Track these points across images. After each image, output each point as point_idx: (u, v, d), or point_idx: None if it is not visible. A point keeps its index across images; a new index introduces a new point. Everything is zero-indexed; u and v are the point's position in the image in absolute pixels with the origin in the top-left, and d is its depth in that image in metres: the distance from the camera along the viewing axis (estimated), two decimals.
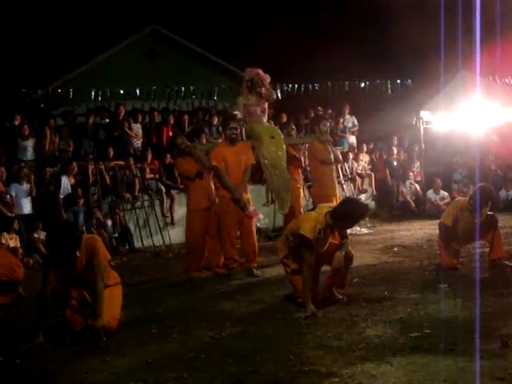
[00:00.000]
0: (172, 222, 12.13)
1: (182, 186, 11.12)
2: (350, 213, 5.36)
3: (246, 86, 8.36)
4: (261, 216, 7.78)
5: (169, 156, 12.31)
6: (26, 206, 10.71)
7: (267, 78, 8.40)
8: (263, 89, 8.34)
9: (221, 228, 7.76)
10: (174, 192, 12.24)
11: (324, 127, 8.95)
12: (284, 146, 8.44)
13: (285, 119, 13.98)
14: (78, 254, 4.97)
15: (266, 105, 8.52)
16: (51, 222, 9.73)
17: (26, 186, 10.71)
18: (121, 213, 11.79)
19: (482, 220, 6.77)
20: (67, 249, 4.92)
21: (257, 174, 8.48)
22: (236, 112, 8.08)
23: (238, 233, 7.83)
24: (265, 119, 8.52)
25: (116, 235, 11.46)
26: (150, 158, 12.75)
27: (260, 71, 8.40)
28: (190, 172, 7.87)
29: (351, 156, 14.69)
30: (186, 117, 14.40)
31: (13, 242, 9.86)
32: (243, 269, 7.76)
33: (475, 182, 9.12)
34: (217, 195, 7.86)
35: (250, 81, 8.30)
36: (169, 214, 12.22)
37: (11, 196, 10.43)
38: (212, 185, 8.12)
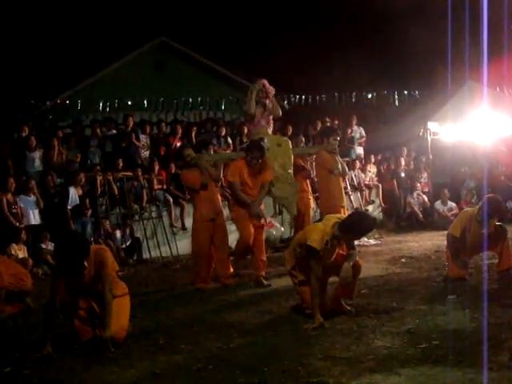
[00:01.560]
0: (183, 228, 12.13)
1: (188, 197, 11.14)
2: (358, 226, 5.38)
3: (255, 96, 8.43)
4: (277, 225, 7.85)
5: (173, 166, 12.36)
6: (34, 217, 10.74)
7: (272, 91, 8.44)
8: (267, 101, 8.37)
9: (240, 235, 7.85)
10: (183, 201, 12.26)
11: (334, 141, 8.96)
12: (291, 154, 8.49)
13: (290, 131, 14.01)
14: (85, 264, 4.98)
15: (271, 117, 8.57)
16: (59, 233, 9.78)
17: (33, 198, 10.74)
18: (130, 224, 11.81)
19: (490, 231, 6.74)
20: (75, 259, 4.94)
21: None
22: (263, 143, 8.04)
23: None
24: (269, 130, 8.56)
25: (124, 246, 11.47)
26: (157, 168, 12.80)
27: (265, 82, 8.45)
28: (195, 183, 7.91)
29: (358, 165, 14.69)
30: (194, 128, 14.45)
31: (21, 252, 9.90)
32: (251, 280, 7.77)
33: (483, 193, 9.08)
34: (230, 208, 7.93)
35: (256, 94, 8.37)
36: (178, 223, 12.25)
37: (20, 207, 10.47)
38: (218, 196, 8.14)
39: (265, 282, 7.59)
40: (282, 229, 7.83)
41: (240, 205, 7.77)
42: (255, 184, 7.81)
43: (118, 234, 11.58)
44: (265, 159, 7.88)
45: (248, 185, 7.77)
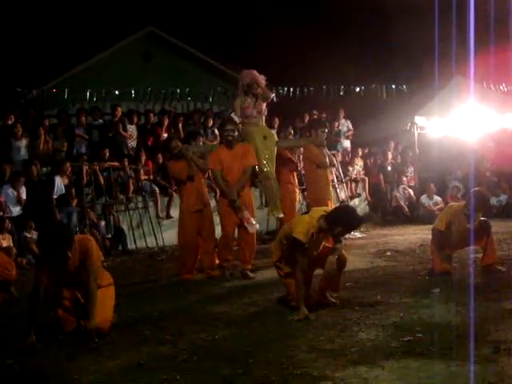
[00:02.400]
0: (168, 216, 12.09)
1: (175, 188, 11.11)
2: (343, 219, 5.38)
3: (243, 90, 8.36)
4: (257, 226, 7.81)
5: (161, 156, 12.32)
6: (16, 208, 10.58)
7: (262, 79, 8.38)
8: (259, 89, 8.33)
9: (222, 230, 7.78)
10: (171, 190, 12.21)
11: (322, 133, 8.94)
12: (275, 148, 8.44)
13: (277, 123, 13.99)
14: (69, 254, 4.95)
15: (264, 105, 8.51)
16: (44, 222, 9.71)
17: (13, 192, 10.53)
18: (115, 214, 11.77)
19: (475, 226, 6.79)
20: (59, 249, 4.91)
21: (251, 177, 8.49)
22: (233, 115, 8.06)
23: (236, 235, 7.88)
24: (262, 120, 8.50)
25: (109, 236, 11.43)
26: (144, 159, 12.74)
27: (255, 73, 8.38)
28: (181, 175, 7.89)
29: (346, 159, 14.71)
30: (182, 119, 14.38)
31: (5, 242, 9.81)
32: (237, 271, 7.77)
33: (469, 188, 9.15)
34: (216, 197, 7.88)
35: (246, 85, 8.30)
36: (164, 214, 12.22)
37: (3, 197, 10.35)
38: (205, 187, 8.12)
39: (250, 275, 7.59)
40: (257, 226, 7.79)
41: (226, 197, 7.73)
42: (238, 169, 7.71)
43: (103, 223, 11.52)
44: (247, 144, 7.85)
45: (231, 171, 7.68)
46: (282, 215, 8.48)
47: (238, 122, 8.05)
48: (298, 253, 5.40)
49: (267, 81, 8.45)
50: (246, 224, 7.59)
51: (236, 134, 7.79)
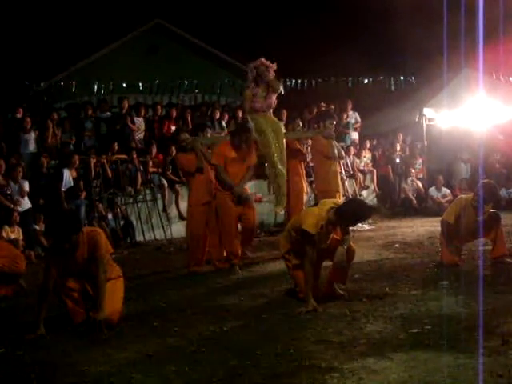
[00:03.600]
0: (181, 217, 12.05)
1: (184, 180, 11.11)
2: (354, 213, 5.38)
3: (253, 79, 8.32)
4: (264, 199, 7.82)
5: (174, 149, 12.28)
6: (25, 201, 10.61)
7: (272, 66, 8.32)
8: (270, 75, 8.26)
9: (221, 224, 7.74)
10: (178, 186, 12.21)
11: (330, 125, 8.92)
12: (284, 141, 8.43)
13: (285, 115, 13.96)
14: (75, 239, 4.96)
15: (274, 97, 8.45)
16: (52, 213, 9.75)
17: (23, 182, 10.58)
18: (122, 206, 11.78)
19: (484, 218, 6.76)
20: (65, 233, 4.93)
21: (259, 170, 8.46)
22: (250, 124, 7.93)
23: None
24: (270, 112, 8.47)
25: (117, 228, 11.43)
26: (154, 151, 12.74)
27: (263, 59, 8.32)
28: (190, 167, 7.89)
29: (353, 152, 14.68)
30: (189, 111, 14.38)
31: (14, 234, 9.87)
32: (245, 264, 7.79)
33: (478, 180, 9.11)
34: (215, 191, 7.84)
35: (256, 71, 8.24)
36: (171, 210, 12.20)
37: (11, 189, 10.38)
38: (213, 179, 8.12)
39: (238, 271, 7.51)
40: (265, 199, 7.79)
41: (224, 189, 7.64)
42: (239, 165, 7.62)
43: (111, 216, 11.55)
44: (251, 143, 7.80)
45: (233, 171, 7.59)
46: (282, 211, 8.43)
47: (252, 128, 7.94)
48: (307, 245, 5.40)
49: (276, 71, 8.41)
50: (258, 201, 7.51)
51: (248, 143, 7.68)
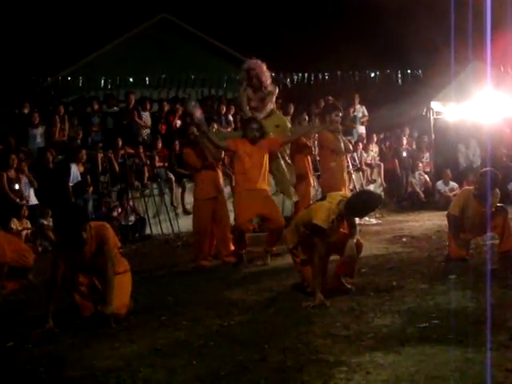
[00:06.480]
0: (186, 212, 12.07)
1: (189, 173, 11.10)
2: (365, 204, 5.38)
3: (245, 79, 8.33)
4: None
5: (178, 143, 12.29)
6: (31, 197, 10.61)
7: (265, 71, 8.30)
8: (263, 79, 8.26)
9: (235, 221, 7.65)
10: (185, 180, 12.22)
11: (336, 117, 8.89)
12: (289, 134, 8.42)
13: (292, 109, 13.93)
14: (84, 235, 4.96)
15: (270, 98, 8.44)
16: (60, 208, 9.78)
17: (28, 177, 10.60)
18: (130, 201, 11.79)
19: (491, 211, 6.71)
20: (73, 229, 4.94)
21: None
22: (257, 114, 7.95)
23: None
24: (265, 111, 8.43)
25: (127, 223, 11.43)
26: (160, 146, 12.75)
27: (251, 64, 8.31)
28: (197, 162, 7.89)
29: (361, 146, 14.65)
30: None
31: (23, 227, 9.91)
32: (255, 257, 7.78)
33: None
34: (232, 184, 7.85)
35: (247, 75, 8.27)
36: (179, 204, 12.23)
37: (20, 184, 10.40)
38: (220, 174, 8.12)
39: (267, 261, 7.54)
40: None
41: (244, 187, 7.57)
42: (255, 161, 7.54)
43: (119, 210, 11.57)
44: (263, 133, 7.73)
45: (251, 159, 7.51)
46: (296, 199, 8.46)
47: (260, 119, 7.93)
48: (318, 239, 5.39)
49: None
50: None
51: (260, 133, 7.66)
